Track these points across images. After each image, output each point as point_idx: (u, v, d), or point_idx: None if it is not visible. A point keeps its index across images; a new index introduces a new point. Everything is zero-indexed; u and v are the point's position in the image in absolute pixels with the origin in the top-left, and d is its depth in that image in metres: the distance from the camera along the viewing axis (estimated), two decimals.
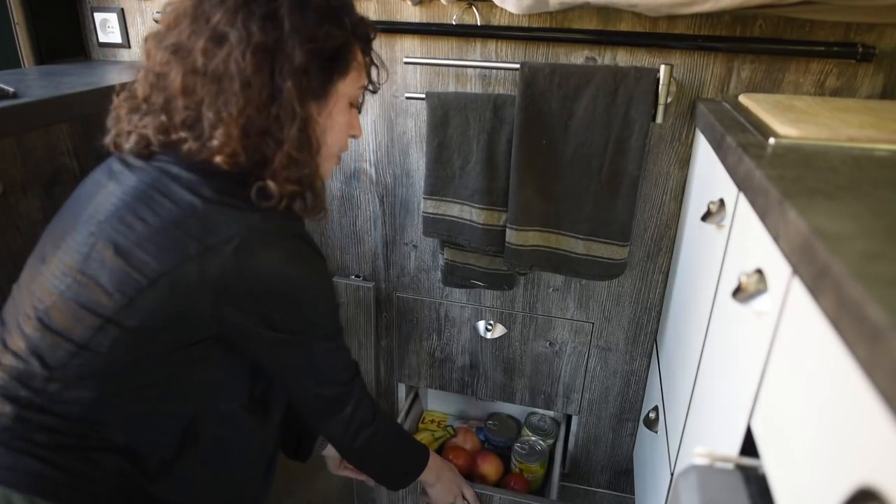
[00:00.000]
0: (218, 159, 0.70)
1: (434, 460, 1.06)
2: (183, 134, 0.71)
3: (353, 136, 0.86)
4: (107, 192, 0.73)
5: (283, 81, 0.70)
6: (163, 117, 0.72)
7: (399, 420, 1.50)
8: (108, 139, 0.78)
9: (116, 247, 0.69)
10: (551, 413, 1.52)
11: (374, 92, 0.89)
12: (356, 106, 0.85)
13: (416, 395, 1.56)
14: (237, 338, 0.75)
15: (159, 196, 0.70)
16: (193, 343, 0.73)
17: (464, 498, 1.16)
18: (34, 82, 1.14)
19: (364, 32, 0.81)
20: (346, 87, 0.79)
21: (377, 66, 0.86)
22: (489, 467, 1.39)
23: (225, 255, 0.68)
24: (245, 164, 0.72)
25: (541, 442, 1.45)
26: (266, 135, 0.72)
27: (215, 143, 0.70)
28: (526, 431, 1.49)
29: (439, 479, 1.09)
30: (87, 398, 0.70)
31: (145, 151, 0.74)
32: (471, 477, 1.38)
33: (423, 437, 1.47)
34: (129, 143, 0.75)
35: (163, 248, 0.68)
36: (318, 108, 0.76)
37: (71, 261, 0.71)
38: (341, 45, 0.76)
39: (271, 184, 0.72)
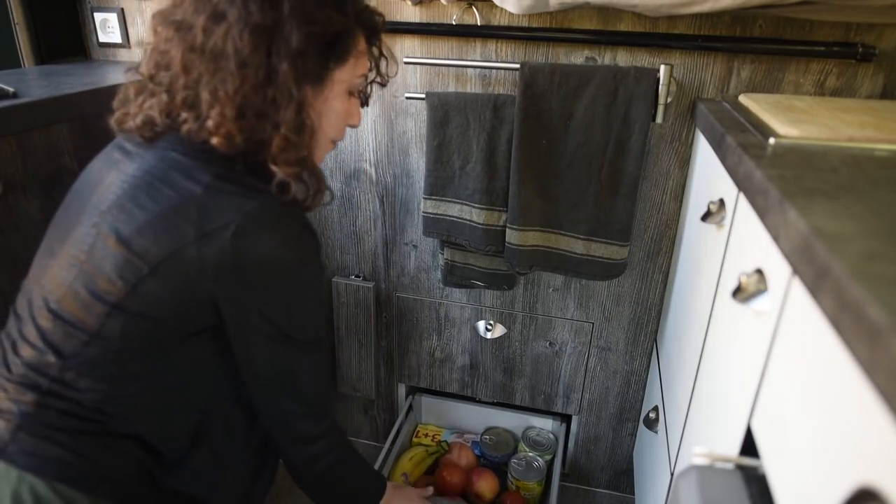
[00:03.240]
0: (215, 140, 0.70)
1: (389, 492, 1.01)
2: (184, 114, 0.71)
3: (351, 125, 0.85)
4: (108, 181, 0.74)
5: (279, 63, 0.70)
6: (165, 97, 0.72)
7: (395, 430, 1.46)
8: (114, 118, 0.79)
9: (118, 235, 0.69)
10: (549, 427, 1.50)
11: (382, 85, 0.88)
12: (356, 95, 0.84)
13: (411, 408, 1.55)
14: (231, 327, 0.75)
15: (158, 183, 0.70)
16: (198, 332, 0.74)
17: None
18: (34, 82, 1.14)
19: (370, 21, 0.80)
20: (345, 73, 0.78)
21: (386, 58, 0.85)
22: (485, 485, 1.35)
23: (223, 240, 0.68)
24: (242, 147, 0.71)
25: (538, 458, 1.41)
26: (262, 117, 0.71)
27: (210, 123, 0.69)
28: (523, 447, 1.46)
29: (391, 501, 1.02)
30: (103, 387, 0.71)
31: (149, 133, 0.74)
32: (466, 495, 1.35)
33: (416, 453, 1.43)
34: (135, 123, 0.74)
35: (162, 234, 0.68)
36: (314, 92, 0.75)
37: (77, 251, 0.72)
38: (342, 31, 0.75)
39: (272, 167, 0.72)
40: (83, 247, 0.71)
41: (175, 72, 0.71)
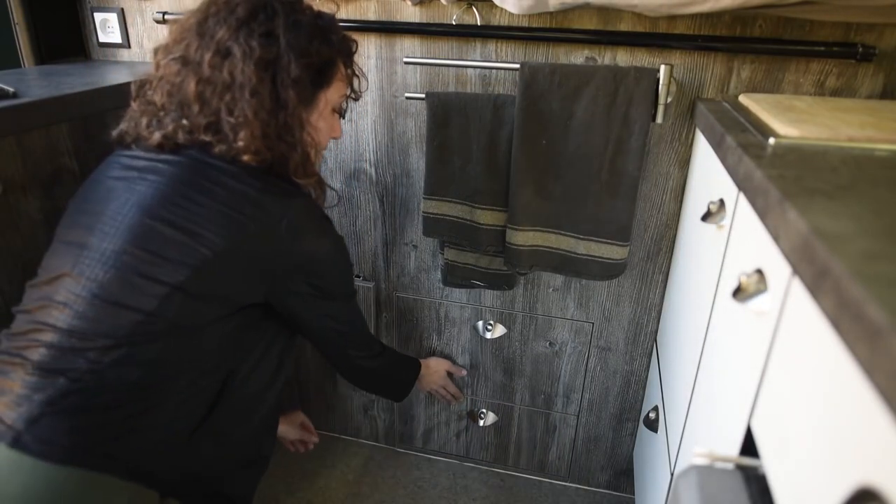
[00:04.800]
0: (247, 158, 0.81)
1: (424, 367, 1.34)
2: (208, 138, 0.82)
3: (335, 138, 1.00)
4: (147, 181, 0.82)
5: (284, 91, 0.82)
6: (184, 121, 0.83)
7: None
8: (124, 133, 0.87)
9: (175, 224, 0.78)
10: None
11: (355, 99, 1.00)
12: (339, 112, 0.98)
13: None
14: (286, 299, 0.90)
15: (208, 183, 0.80)
16: (243, 307, 0.85)
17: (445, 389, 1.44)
18: (34, 82, 1.14)
19: (347, 47, 0.93)
20: (331, 95, 0.92)
21: (358, 77, 0.98)
22: None
23: (279, 230, 0.82)
24: (270, 161, 0.84)
25: None
26: (280, 138, 0.84)
27: (241, 143, 0.81)
28: None
29: (426, 373, 1.37)
30: (150, 360, 0.77)
31: (170, 144, 0.83)
32: None
33: None
34: (153, 140, 0.84)
35: (223, 225, 0.79)
36: (308, 113, 0.89)
37: (124, 242, 0.78)
38: (328, 60, 0.88)
39: (297, 180, 0.88)
40: (133, 236, 0.78)
41: (187, 100, 0.82)
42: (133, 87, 0.89)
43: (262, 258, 0.83)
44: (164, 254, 0.77)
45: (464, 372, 1.47)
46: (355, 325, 1.06)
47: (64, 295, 0.77)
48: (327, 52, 0.87)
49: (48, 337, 0.75)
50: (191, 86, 0.81)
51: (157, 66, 0.85)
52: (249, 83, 0.79)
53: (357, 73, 0.97)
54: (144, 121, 0.85)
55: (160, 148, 0.84)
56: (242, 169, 0.82)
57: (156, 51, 0.87)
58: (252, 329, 0.90)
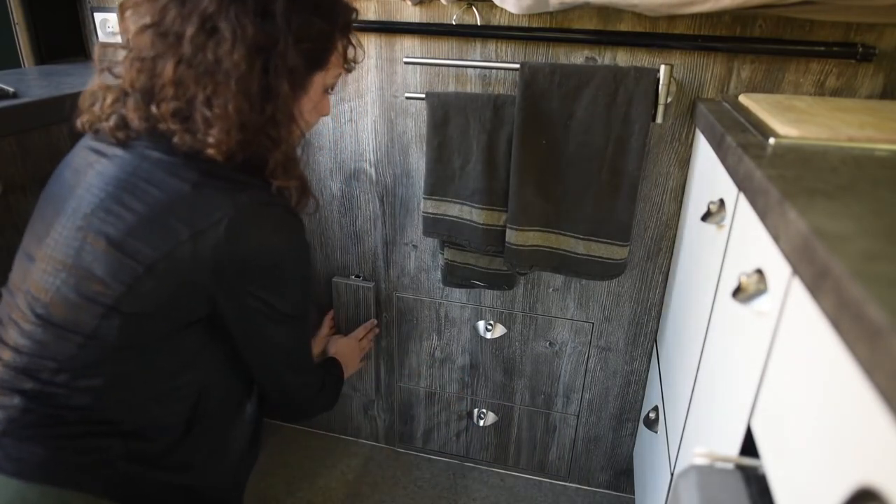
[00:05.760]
0: (212, 153, 0.70)
1: (343, 366, 1.16)
2: (173, 126, 0.70)
3: (324, 115, 0.87)
4: (86, 184, 0.73)
5: (277, 81, 0.70)
6: (152, 107, 0.70)
7: None
8: (83, 120, 0.77)
9: (108, 237, 0.69)
10: None
11: (349, 72, 0.86)
12: (331, 90, 0.85)
13: None
14: (227, 315, 0.77)
15: (143, 184, 0.70)
16: (192, 323, 0.75)
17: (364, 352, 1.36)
18: (34, 82, 1.14)
19: (347, 19, 0.80)
20: (326, 77, 0.80)
21: (354, 47, 0.84)
22: None
23: (217, 235, 0.69)
24: (240, 161, 0.72)
25: None
26: (261, 133, 0.71)
27: (211, 139, 0.69)
28: None
29: (347, 368, 1.20)
30: (97, 385, 0.71)
31: (122, 135, 0.73)
32: None
33: None
34: (107, 125, 0.73)
35: (154, 234, 0.69)
36: (299, 102, 0.77)
37: (62, 256, 0.71)
38: (328, 39, 0.76)
39: (273, 182, 0.75)
40: (69, 251, 0.71)
41: (163, 83, 0.69)
42: (96, 53, 0.78)
43: (198, 269, 0.70)
44: (97, 271, 0.69)
45: (374, 321, 1.41)
46: (303, 350, 0.91)
47: (17, 313, 0.73)
48: (328, 29, 0.75)
49: (5, 355, 0.72)
50: (168, 67, 0.68)
51: (126, 31, 0.72)
52: (237, 71, 0.67)
53: (354, 43, 0.84)
54: (109, 99, 0.74)
55: (115, 137, 0.73)
56: (187, 158, 0.71)
57: (121, 6, 0.72)
58: (218, 345, 0.81)
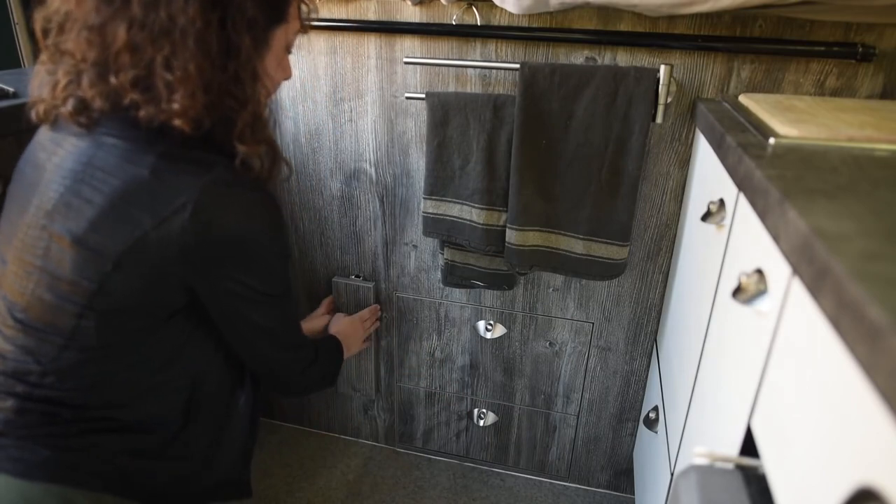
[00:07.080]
0: (179, 123, 0.66)
1: (343, 344, 1.13)
2: (133, 96, 0.65)
3: (286, 78, 0.83)
4: (46, 179, 0.70)
5: (237, 36, 0.66)
6: (111, 78, 0.66)
7: None
8: (36, 110, 0.73)
9: (71, 234, 0.67)
10: None
11: (305, 32, 0.82)
12: (290, 49, 0.81)
13: None
14: (207, 299, 0.75)
15: (100, 173, 0.67)
16: (173, 314, 0.73)
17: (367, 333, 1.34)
18: None
19: None
20: (286, 33, 0.76)
21: (307, 4, 0.80)
22: None
23: (182, 221, 0.66)
24: (208, 128, 0.68)
25: None
26: (227, 94, 0.68)
27: (175, 106, 0.65)
28: None
29: (349, 348, 1.20)
30: (85, 384, 0.71)
31: (85, 119, 0.69)
32: None
33: None
34: (66, 110, 0.69)
35: (116, 226, 0.66)
36: (263, 59, 0.73)
37: (31, 258, 0.70)
38: None
39: (241, 147, 0.70)
40: (37, 251, 0.69)
41: (117, 51, 0.64)
42: (37, 27, 0.69)
43: (167, 258, 0.67)
44: (65, 270, 0.67)
45: (375, 306, 1.41)
46: (288, 326, 0.88)
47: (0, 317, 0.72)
48: None
49: None
50: (120, 32, 0.63)
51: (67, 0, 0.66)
52: (193, 27, 0.62)
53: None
54: (63, 79, 0.69)
55: (77, 122, 0.69)
56: (143, 142, 0.67)
57: None
58: (206, 333, 0.80)
